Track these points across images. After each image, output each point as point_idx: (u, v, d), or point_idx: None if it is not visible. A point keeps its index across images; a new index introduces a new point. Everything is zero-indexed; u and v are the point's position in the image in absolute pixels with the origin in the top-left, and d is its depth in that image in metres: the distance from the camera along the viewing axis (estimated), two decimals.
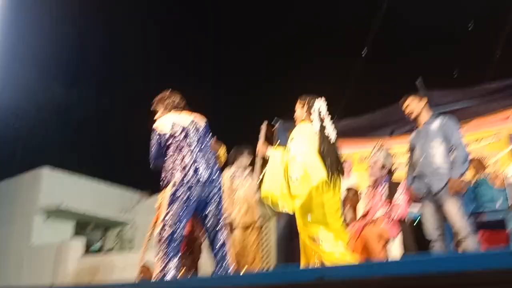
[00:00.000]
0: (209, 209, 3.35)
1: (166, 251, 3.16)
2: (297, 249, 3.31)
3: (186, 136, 3.38)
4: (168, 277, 3.10)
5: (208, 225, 3.39)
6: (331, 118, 3.39)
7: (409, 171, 3.93)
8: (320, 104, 3.31)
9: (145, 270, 4.62)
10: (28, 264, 9.40)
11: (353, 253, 3.76)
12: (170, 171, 3.33)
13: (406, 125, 5.83)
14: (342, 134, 6.33)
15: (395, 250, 3.93)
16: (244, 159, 4.92)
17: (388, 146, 4.57)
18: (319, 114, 3.28)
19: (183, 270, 4.00)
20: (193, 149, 3.35)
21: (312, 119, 3.26)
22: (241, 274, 3.32)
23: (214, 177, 3.35)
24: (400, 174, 4.70)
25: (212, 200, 3.35)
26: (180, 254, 3.29)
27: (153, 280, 3.18)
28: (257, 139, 3.67)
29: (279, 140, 3.84)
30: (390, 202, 4.02)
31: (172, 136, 3.37)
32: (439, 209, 3.56)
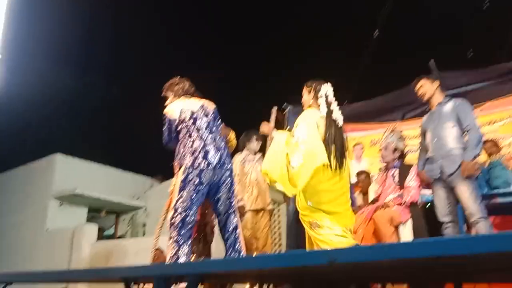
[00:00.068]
0: (221, 193, 3.37)
1: (178, 236, 3.19)
2: None
3: (195, 121, 3.40)
4: (181, 261, 3.14)
5: (220, 209, 3.42)
6: (340, 103, 3.37)
7: (421, 154, 3.90)
8: (327, 89, 3.29)
9: (159, 254, 4.68)
10: (43, 248, 9.58)
11: (357, 238, 3.76)
12: (181, 156, 3.36)
13: (418, 108, 5.78)
14: (354, 118, 6.33)
15: (407, 234, 3.91)
16: (254, 144, 4.92)
17: (400, 129, 4.52)
18: (326, 99, 3.26)
19: (195, 254, 4.04)
20: (203, 134, 3.37)
21: (319, 104, 3.24)
22: (253, 257, 3.34)
23: (224, 161, 3.37)
24: (412, 157, 4.67)
25: (224, 184, 3.37)
26: (192, 238, 3.33)
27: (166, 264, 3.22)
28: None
29: (289, 125, 3.83)
30: (402, 186, 3.99)
31: (181, 121, 3.39)
32: (452, 192, 3.54)
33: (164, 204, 3.67)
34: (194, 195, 3.24)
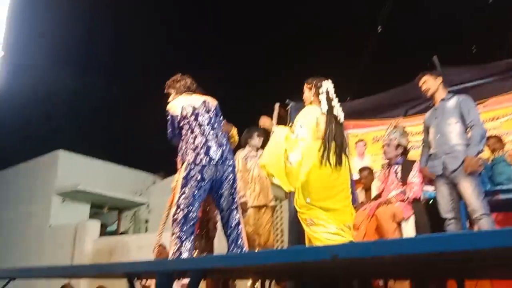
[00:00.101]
0: (223, 189, 3.38)
1: (181, 232, 3.20)
2: None
3: (197, 117, 3.41)
4: (183, 256, 3.15)
5: (222, 205, 3.42)
6: (342, 100, 3.38)
7: (424, 151, 3.89)
8: (328, 86, 3.30)
9: (161, 250, 4.70)
10: (46, 244, 9.62)
11: (359, 234, 3.77)
12: (183, 152, 3.38)
13: (421, 104, 5.76)
14: (356, 114, 6.32)
15: (409, 230, 3.91)
16: (256, 140, 4.92)
17: (403, 125, 4.52)
18: (327, 95, 3.26)
19: (198, 250, 4.05)
20: (204, 130, 3.38)
21: (320, 101, 3.25)
22: (255, 252, 3.36)
23: (226, 157, 3.37)
24: (415, 153, 4.66)
25: (226, 180, 3.37)
26: (194, 234, 3.34)
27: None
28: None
29: (291, 122, 3.83)
30: (405, 182, 3.99)
31: (183, 117, 3.41)
32: (454, 188, 3.53)
33: (167, 201, 3.69)
34: (196, 191, 3.25)
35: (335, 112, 3.24)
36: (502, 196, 4.01)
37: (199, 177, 3.25)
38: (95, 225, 9.36)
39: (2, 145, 13.21)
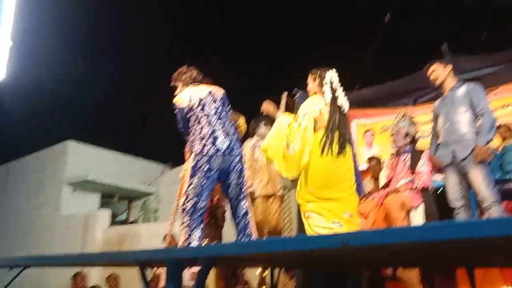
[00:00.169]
0: (231, 178, 3.40)
1: (190, 221, 3.24)
2: None
3: (203, 108, 3.42)
4: (193, 245, 3.18)
5: (231, 195, 3.45)
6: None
7: (433, 139, 3.87)
8: (332, 75, 3.31)
9: (172, 240, 4.75)
10: (57, 234, 9.75)
11: (368, 223, 3.79)
12: (191, 143, 3.40)
13: (430, 93, 5.70)
14: (364, 103, 6.28)
15: (418, 219, 3.91)
16: (263, 130, 4.92)
17: (412, 114, 4.49)
18: (331, 85, 3.27)
19: (207, 238, 4.09)
20: (211, 120, 3.39)
21: (324, 91, 3.27)
22: (265, 240, 3.38)
23: (234, 147, 3.39)
24: (424, 142, 4.64)
25: (234, 170, 3.39)
26: (203, 223, 3.37)
27: None
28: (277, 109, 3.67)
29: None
30: (413, 171, 3.98)
31: (190, 108, 3.42)
32: (464, 177, 3.52)
33: (176, 190, 3.72)
34: (205, 181, 3.27)
35: (339, 102, 3.26)
36: None
37: (206, 167, 3.27)
38: (105, 214, 9.46)
39: (12, 136, 13.35)
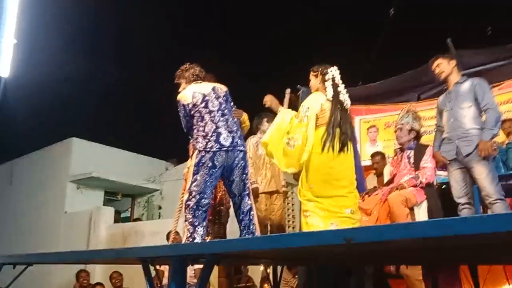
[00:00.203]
0: (234, 175, 3.40)
1: (194, 217, 3.24)
2: None
3: (207, 105, 3.42)
4: (196, 241, 3.18)
5: (234, 191, 3.45)
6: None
7: (437, 135, 3.85)
8: (333, 72, 3.31)
9: (177, 236, 4.76)
10: (62, 231, 9.78)
11: (372, 219, 3.78)
12: (194, 140, 3.40)
13: (434, 88, 5.69)
14: (368, 99, 6.26)
15: (422, 215, 3.89)
16: (265, 126, 4.91)
17: (416, 110, 4.47)
18: (333, 82, 3.27)
19: (210, 235, 4.10)
20: (215, 116, 3.39)
21: (326, 88, 3.27)
22: (268, 236, 3.37)
23: (237, 143, 3.39)
24: (428, 138, 4.62)
25: (237, 166, 3.39)
26: (207, 220, 3.37)
27: None
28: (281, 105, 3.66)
29: None
30: (417, 167, 3.96)
31: (194, 105, 3.42)
32: (468, 173, 3.50)
33: (179, 187, 3.72)
34: (208, 178, 3.27)
35: (341, 98, 3.26)
36: None
37: (210, 164, 3.27)
38: (110, 211, 9.48)
39: (16, 133, 13.40)
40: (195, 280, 5.02)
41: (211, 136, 3.32)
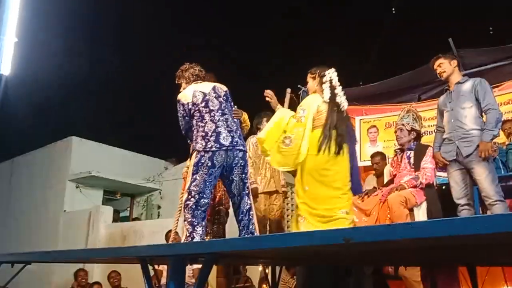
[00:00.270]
0: (234, 174, 3.39)
1: (193, 217, 3.23)
2: None
3: (207, 104, 3.42)
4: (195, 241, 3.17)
5: (233, 191, 3.44)
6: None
7: (438, 135, 3.84)
8: (331, 74, 3.33)
9: (176, 236, 4.75)
10: (61, 230, 9.77)
11: (371, 219, 3.78)
12: (195, 139, 3.39)
13: (434, 89, 5.68)
14: (368, 99, 6.25)
15: (421, 216, 3.89)
16: (264, 125, 4.90)
17: (416, 110, 4.46)
18: (330, 84, 3.29)
19: (209, 235, 4.09)
20: (215, 116, 3.38)
21: (323, 89, 3.30)
22: (267, 236, 3.37)
23: (236, 143, 3.38)
24: (428, 139, 4.61)
25: (237, 166, 3.38)
26: (206, 219, 3.36)
27: None
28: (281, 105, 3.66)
29: None
30: (417, 168, 3.95)
31: (194, 104, 3.41)
32: (468, 174, 3.49)
33: (179, 186, 3.71)
34: (207, 178, 3.26)
35: (337, 101, 3.28)
36: None
37: (209, 164, 3.26)
38: (109, 210, 9.46)
39: (16, 131, 13.39)
40: (194, 280, 5.01)
41: (211, 136, 3.31)
